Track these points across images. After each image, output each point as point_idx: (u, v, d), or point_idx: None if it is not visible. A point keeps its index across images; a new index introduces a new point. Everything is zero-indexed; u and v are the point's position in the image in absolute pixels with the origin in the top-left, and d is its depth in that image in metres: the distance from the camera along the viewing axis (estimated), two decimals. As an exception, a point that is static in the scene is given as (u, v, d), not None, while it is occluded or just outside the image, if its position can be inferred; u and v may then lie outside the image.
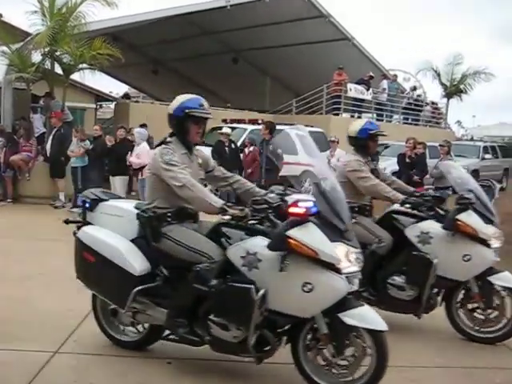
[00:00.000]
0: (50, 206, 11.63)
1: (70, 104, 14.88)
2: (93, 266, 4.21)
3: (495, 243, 4.97)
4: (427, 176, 10.03)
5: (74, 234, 4.43)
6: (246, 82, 23.15)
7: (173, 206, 4.02)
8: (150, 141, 13.79)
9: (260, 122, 13.60)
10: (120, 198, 4.80)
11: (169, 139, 4.14)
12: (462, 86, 25.04)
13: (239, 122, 14.55)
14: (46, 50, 12.65)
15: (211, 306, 3.78)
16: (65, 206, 11.68)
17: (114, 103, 20.54)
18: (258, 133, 12.60)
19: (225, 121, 14.48)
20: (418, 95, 24.73)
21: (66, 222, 4.58)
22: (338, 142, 10.69)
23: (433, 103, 25.33)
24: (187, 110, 4.05)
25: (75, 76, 14.42)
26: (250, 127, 13.86)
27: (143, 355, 4.37)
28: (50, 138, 12.03)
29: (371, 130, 5.33)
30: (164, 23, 17.38)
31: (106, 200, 4.44)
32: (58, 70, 13.18)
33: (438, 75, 25.12)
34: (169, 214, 4.01)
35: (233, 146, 12.87)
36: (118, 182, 10.76)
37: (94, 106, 22.14)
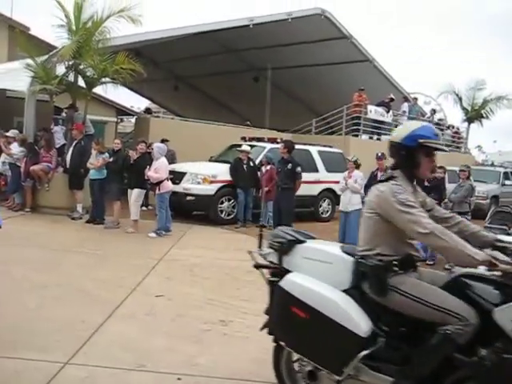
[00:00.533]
0: (68, 217, 11.70)
1: (92, 117, 15.05)
2: (303, 324, 3.42)
3: None
4: (446, 200, 9.92)
5: (272, 282, 3.74)
6: (266, 100, 23.23)
7: (398, 253, 3.37)
8: (173, 156, 13.94)
9: (279, 140, 13.62)
10: (313, 237, 4.02)
11: (394, 174, 3.47)
12: (483, 111, 24.95)
13: (258, 140, 14.58)
14: (70, 63, 12.83)
15: (471, 379, 3.04)
16: (82, 217, 11.75)
17: (135, 117, 20.71)
18: (276, 151, 12.63)
19: (244, 138, 14.53)
20: (440, 119, 24.65)
21: (256, 266, 3.88)
22: (355, 163, 10.60)
23: (452, 127, 25.23)
24: (421, 140, 3.37)
25: (98, 89, 14.59)
26: (268, 145, 13.88)
27: (154, 369, 4.35)
28: (71, 149, 12.15)
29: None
30: (187, 40, 17.56)
31: (303, 241, 3.79)
32: (81, 83, 13.34)
33: (460, 99, 25.06)
34: (395, 263, 3.34)
35: (251, 163, 12.92)
36: (134, 194, 10.81)
37: (115, 119, 22.33)
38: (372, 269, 3.32)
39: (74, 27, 12.99)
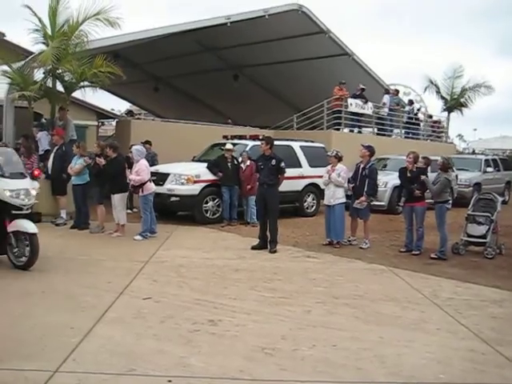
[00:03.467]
0: (52, 224, 11.60)
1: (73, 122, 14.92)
2: None
3: None
4: (427, 191, 9.99)
5: None
6: (247, 98, 23.23)
7: None
8: (154, 158, 13.86)
9: (261, 137, 13.62)
10: None
11: None
12: (462, 100, 25.16)
13: (240, 137, 14.58)
14: (48, 68, 12.71)
15: None
16: (66, 223, 11.67)
17: (116, 120, 20.59)
18: (257, 149, 12.65)
19: (226, 137, 14.52)
20: (418, 109, 24.80)
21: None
22: (336, 157, 10.62)
23: (430, 116, 25.42)
24: None
25: (77, 94, 14.48)
26: (250, 143, 13.89)
27: (144, 373, 4.33)
28: (52, 155, 12.05)
29: None
30: (164, 40, 17.47)
31: None
32: (60, 87, 13.24)
33: (438, 89, 25.27)
34: None
35: (235, 161, 12.92)
36: (116, 199, 10.75)
37: (95, 123, 22.17)
38: None
39: (49, 31, 12.89)
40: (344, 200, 10.52)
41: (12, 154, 8.41)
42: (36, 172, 8.76)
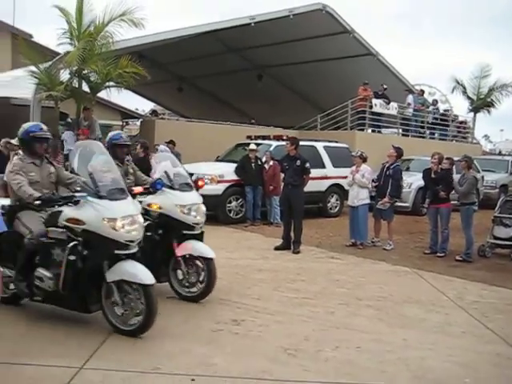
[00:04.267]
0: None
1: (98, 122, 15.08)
2: None
3: None
4: (453, 191, 9.87)
5: None
6: (271, 98, 23.22)
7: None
8: (177, 158, 13.90)
9: (285, 138, 13.61)
10: None
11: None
12: (488, 100, 24.78)
13: (264, 138, 14.58)
14: (74, 68, 12.87)
15: None
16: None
17: (140, 120, 20.77)
18: (281, 149, 12.64)
19: (249, 137, 14.54)
20: (445, 110, 24.49)
21: None
22: (361, 158, 10.57)
23: (455, 117, 25.03)
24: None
25: (102, 94, 14.64)
26: (274, 143, 13.88)
27: (168, 371, 4.36)
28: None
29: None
30: (189, 41, 17.57)
31: None
32: (85, 88, 13.39)
33: (464, 89, 24.93)
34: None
35: (259, 162, 12.93)
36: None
37: (120, 123, 22.37)
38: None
39: (76, 32, 13.05)
40: (368, 201, 10.46)
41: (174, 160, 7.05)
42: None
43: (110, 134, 6.91)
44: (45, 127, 5.75)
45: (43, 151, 5.73)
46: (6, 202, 5.68)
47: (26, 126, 5.68)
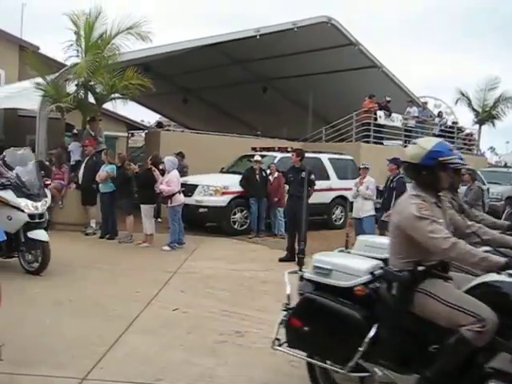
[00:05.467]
0: (82, 233, 11.76)
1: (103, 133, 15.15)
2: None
3: None
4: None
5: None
6: (276, 110, 23.27)
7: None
8: (184, 170, 13.95)
9: (289, 149, 13.62)
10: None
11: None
12: (494, 112, 24.77)
13: (269, 149, 14.59)
14: (81, 80, 12.95)
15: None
16: (96, 233, 11.80)
17: (145, 132, 20.83)
18: (286, 161, 12.65)
19: (254, 149, 14.55)
20: (454, 122, 24.42)
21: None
22: (366, 169, 10.55)
23: (462, 130, 24.95)
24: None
25: (108, 105, 14.71)
26: (279, 155, 13.89)
27: (170, 383, 4.33)
28: (83, 165, 12.24)
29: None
30: (194, 53, 17.66)
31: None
32: (91, 99, 13.46)
33: (469, 101, 24.93)
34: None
35: (263, 173, 12.93)
36: (144, 209, 10.87)
37: (125, 134, 22.48)
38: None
39: (83, 45, 13.14)
40: (373, 213, 10.43)
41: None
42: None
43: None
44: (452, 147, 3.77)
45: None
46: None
47: (428, 143, 3.55)
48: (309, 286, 3.90)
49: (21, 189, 7.92)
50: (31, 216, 7.79)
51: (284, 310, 3.94)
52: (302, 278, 3.97)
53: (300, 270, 4.05)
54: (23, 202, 7.76)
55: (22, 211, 7.69)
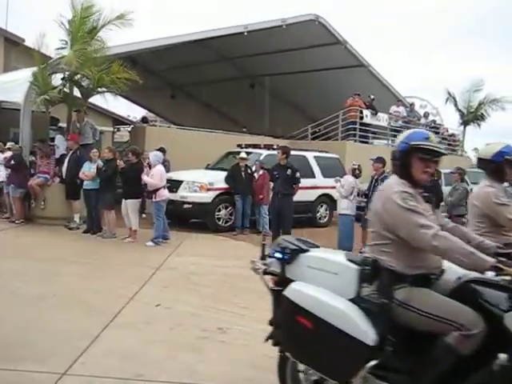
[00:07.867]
0: (65, 228, 11.68)
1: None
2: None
3: None
4: (442, 203, 9.91)
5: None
6: (263, 107, 23.28)
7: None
8: (165, 164, 13.88)
9: (275, 147, 13.63)
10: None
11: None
12: (479, 114, 24.99)
13: (254, 146, 14.60)
14: (67, 73, 12.83)
15: None
16: (79, 227, 11.73)
17: (131, 127, 20.72)
18: (271, 158, 12.67)
19: (240, 146, 14.54)
20: (438, 123, 24.59)
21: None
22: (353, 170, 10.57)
23: (447, 130, 25.12)
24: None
25: (94, 100, 14.60)
26: (265, 152, 13.90)
27: (152, 378, 4.32)
28: (67, 159, 12.14)
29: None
30: (182, 48, 17.60)
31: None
32: (76, 93, 13.34)
33: (455, 102, 25.13)
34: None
35: (249, 170, 12.93)
36: (129, 204, 10.75)
37: (111, 129, 22.32)
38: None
39: (71, 35, 12.98)
40: (347, 212, 10.43)
41: None
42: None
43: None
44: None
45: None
46: None
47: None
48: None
49: None
50: None
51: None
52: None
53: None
54: None
55: None
